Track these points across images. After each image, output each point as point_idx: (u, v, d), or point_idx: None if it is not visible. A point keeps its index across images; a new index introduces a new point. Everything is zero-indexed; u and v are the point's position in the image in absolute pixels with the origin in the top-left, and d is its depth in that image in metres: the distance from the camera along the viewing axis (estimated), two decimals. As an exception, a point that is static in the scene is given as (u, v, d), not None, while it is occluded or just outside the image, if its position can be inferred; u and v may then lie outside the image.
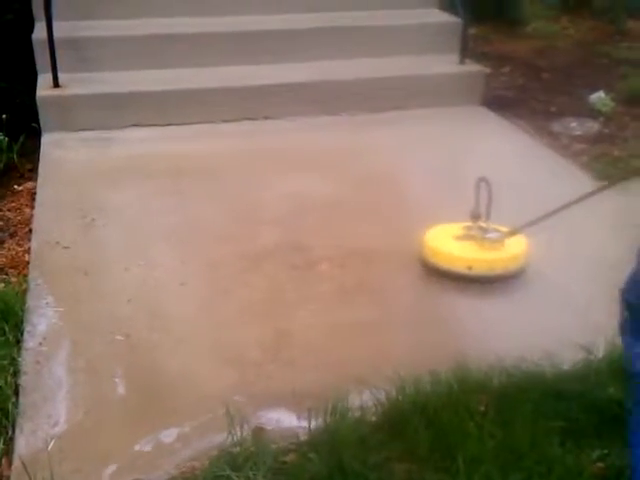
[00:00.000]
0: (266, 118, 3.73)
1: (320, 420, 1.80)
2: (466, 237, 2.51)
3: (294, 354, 2.11)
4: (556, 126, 3.89)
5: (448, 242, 2.51)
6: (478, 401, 1.86)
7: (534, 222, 2.34)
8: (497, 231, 2.47)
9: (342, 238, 2.69)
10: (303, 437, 1.78)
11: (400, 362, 1.99)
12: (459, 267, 2.44)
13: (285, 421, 1.83)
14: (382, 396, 1.87)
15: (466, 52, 4.08)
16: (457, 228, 2.55)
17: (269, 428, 1.81)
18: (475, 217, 2.49)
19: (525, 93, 4.41)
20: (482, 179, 2.43)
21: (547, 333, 2.14)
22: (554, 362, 1.96)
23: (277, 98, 3.75)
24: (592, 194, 2.14)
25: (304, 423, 1.80)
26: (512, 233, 2.45)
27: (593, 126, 3.88)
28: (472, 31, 4.37)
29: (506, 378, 1.93)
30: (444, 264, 2.46)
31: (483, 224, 2.48)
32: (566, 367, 1.97)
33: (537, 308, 2.33)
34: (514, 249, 2.47)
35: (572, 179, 3.14)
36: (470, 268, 2.43)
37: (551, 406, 1.82)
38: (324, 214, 2.86)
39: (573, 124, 3.88)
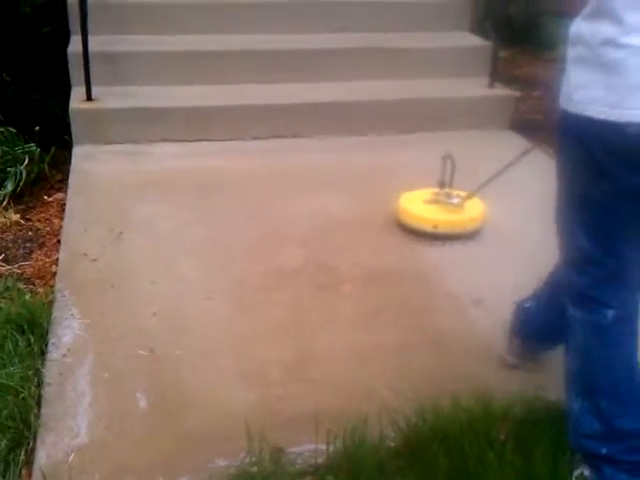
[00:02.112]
0: (295, 136, 3.75)
1: (339, 443, 1.80)
2: (433, 201, 2.91)
3: (316, 375, 2.11)
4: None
5: (418, 205, 2.91)
6: (499, 430, 1.85)
7: (485, 184, 2.75)
8: (459, 197, 2.87)
9: (368, 258, 2.70)
10: (321, 460, 1.78)
11: (421, 386, 1.99)
12: (426, 226, 2.83)
13: (304, 442, 1.82)
14: (402, 421, 1.87)
15: (496, 76, 4.08)
16: (427, 193, 2.94)
17: (288, 449, 1.81)
18: (441, 185, 2.90)
19: (554, 118, 4.39)
20: (448, 156, 2.83)
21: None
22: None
23: (306, 117, 3.77)
24: (525, 154, 2.65)
25: (323, 445, 1.80)
26: (469, 197, 2.85)
27: (623, 153, 3.85)
28: (502, 54, 4.36)
29: (527, 407, 1.92)
30: (414, 223, 2.86)
31: (448, 190, 2.89)
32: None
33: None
34: (473, 212, 2.87)
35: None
36: (435, 227, 2.82)
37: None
38: (350, 233, 2.87)
39: (602, 151, 3.84)
